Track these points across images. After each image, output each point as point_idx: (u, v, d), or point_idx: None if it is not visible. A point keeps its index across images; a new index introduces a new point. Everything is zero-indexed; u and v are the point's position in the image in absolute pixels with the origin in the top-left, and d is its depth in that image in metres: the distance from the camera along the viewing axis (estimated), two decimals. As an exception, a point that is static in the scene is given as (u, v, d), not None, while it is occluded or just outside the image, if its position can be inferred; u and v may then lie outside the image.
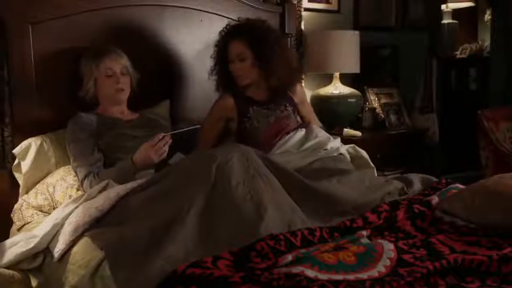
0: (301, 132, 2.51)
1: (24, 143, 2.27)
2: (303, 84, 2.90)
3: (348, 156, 2.49)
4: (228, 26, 2.54)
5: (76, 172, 2.18)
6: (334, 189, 2.00)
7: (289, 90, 2.56)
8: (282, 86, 2.50)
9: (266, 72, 2.44)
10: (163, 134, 2.13)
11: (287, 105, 2.55)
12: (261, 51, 2.42)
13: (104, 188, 2.00)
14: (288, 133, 2.49)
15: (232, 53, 2.46)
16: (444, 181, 2.11)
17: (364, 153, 2.55)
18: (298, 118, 2.59)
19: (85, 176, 2.13)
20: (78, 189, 2.16)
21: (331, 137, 2.56)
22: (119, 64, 2.31)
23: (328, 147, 2.44)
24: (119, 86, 2.30)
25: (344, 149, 2.50)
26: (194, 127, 2.26)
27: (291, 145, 2.45)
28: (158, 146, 2.10)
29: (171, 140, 2.14)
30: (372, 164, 2.53)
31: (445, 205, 1.81)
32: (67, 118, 2.30)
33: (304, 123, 2.60)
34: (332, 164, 2.27)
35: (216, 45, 2.54)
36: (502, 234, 1.60)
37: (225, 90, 2.53)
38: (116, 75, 2.30)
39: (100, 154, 2.21)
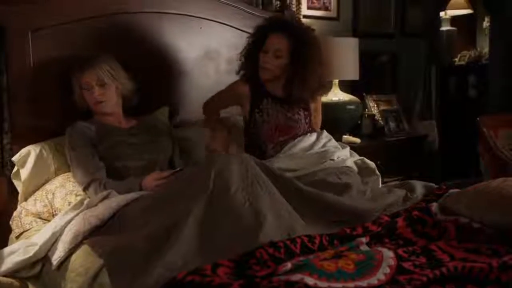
0: (311, 138, 2.51)
1: (23, 151, 2.27)
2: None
3: (355, 168, 2.44)
4: (275, 17, 2.55)
5: (78, 179, 2.17)
6: (332, 199, 1.98)
7: (308, 98, 2.55)
8: (307, 94, 2.50)
9: (297, 82, 2.43)
10: (174, 171, 2.14)
11: (301, 109, 2.54)
12: (301, 59, 2.41)
13: (105, 198, 2.00)
14: (294, 137, 2.49)
15: (271, 45, 2.43)
16: (444, 186, 2.11)
17: (372, 164, 2.52)
18: (309, 123, 2.58)
19: (89, 183, 2.12)
20: (77, 195, 2.15)
21: (339, 146, 2.56)
22: (94, 77, 2.27)
23: (335, 157, 2.43)
24: (94, 100, 2.28)
25: (351, 161, 2.45)
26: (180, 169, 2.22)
27: (299, 149, 2.46)
28: (163, 180, 2.09)
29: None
30: (377, 172, 2.50)
31: (447, 203, 1.81)
32: (66, 125, 2.29)
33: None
34: (334, 178, 2.23)
35: (256, 31, 2.51)
36: (503, 238, 1.61)
37: (243, 77, 2.52)
38: (93, 88, 2.28)
39: (101, 162, 2.21)
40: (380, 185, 2.47)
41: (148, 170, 2.19)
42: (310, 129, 2.58)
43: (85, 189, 2.13)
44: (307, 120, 2.56)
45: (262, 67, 2.44)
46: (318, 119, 2.71)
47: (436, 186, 2.20)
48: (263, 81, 2.49)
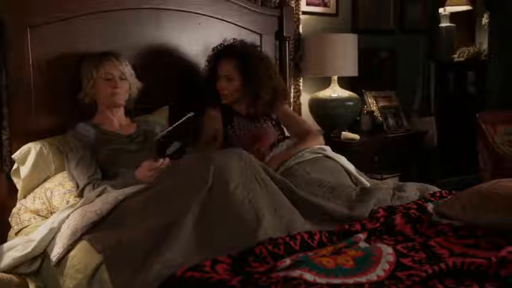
0: (284, 145, 2.56)
1: (24, 148, 2.26)
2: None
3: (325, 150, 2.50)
4: (221, 44, 2.66)
5: (75, 182, 2.17)
6: (324, 203, 1.97)
7: (271, 110, 2.67)
8: (264, 107, 2.62)
9: (252, 96, 2.58)
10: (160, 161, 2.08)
11: (267, 119, 2.68)
12: (250, 75, 2.56)
13: (102, 193, 2.00)
14: (270, 147, 2.54)
15: (221, 71, 2.58)
16: (438, 194, 2.11)
17: (340, 157, 2.50)
18: (279, 131, 2.70)
19: (85, 186, 2.12)
20: (76, 196, 2.15)
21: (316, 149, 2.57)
22: (118, 69, 2.33)
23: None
24: (116, 90, 2.31)
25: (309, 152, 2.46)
26: (187, 117, 2.13)
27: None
28: (157, 169, 2.06)
29: (168, 160, 2.11)
30: (352, 172, 2.43)
31: (442, 208, 1.82)
32: (66, 122, 2.29)
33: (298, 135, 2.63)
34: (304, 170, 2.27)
35: (207, 61, 2.67)
36: (501, 232, 1.61)
37: (208, 105, 2.65)
38: (114, 79, 2.31)
39: (98, 167, 2.20)
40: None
41: None
42: (282, 136, 2.69)
43: (80, 193, 2.12)
44: (276, 128, 2.69)
45: (220, 94, 2.62)
46: (299, 123, 2.74)
47: (432, 190, 2.19)
48: (227, 104, 2.65)
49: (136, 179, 2.09)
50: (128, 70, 2.37)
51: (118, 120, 2.39)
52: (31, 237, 1.98)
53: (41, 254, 1.93)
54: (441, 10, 4.81)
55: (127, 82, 2.37)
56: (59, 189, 2.19)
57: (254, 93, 2.57)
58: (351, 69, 3.37)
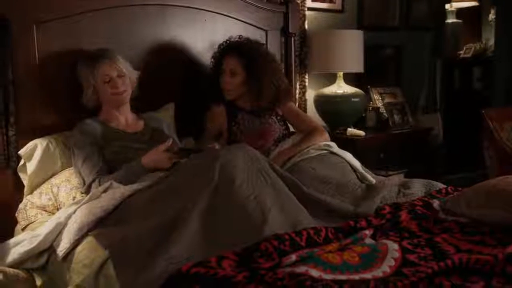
0: (289, 140, 2.60)
1: (30, 144, 2.26)
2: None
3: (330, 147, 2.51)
4: (227, 41, 2.67)
5: (81, 177, 2.17)
6: (330, 199, 1.99)
7: (275, 106, 2.67)
8: (267, 105, 2.63)
9: (255, 92, 2.58)
10: (178, 146, 2.17)
11: (272, 116, 2.68)
12: (253, 71, 2.56)
13: (107, 188, 2.01)
14: (275, 143, 2.59)
15: (226, 66, 2.59)
16: (444, 190, 2.11)
17: (346, 154, 2.52)
18: (284, 126, 2.71)
19: (91, 182, 2.12)
20: (82, 192, 2.16)
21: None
22: (114, 69, 2.29)
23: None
24: (118, 90, 2.29)
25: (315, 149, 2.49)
26: (212, 147, 2.20)
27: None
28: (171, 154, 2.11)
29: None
30: (358, 168, 2.43)
31: (448, 205, 1.81)
32: (71, 119, 2.30)
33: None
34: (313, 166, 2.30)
35: (212, 58, 2.69)
36: (507, 229, 1.61)
37: (211, 101, 2.68)
38: (113, 79, 2.28)
39: (105, 164, 2.20)
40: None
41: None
42: (286, 131, 2.70)
43: (86, 189, 2.12)
44: (281, 123, 2.70)
45: (224, 89, 2.62)
46: (305, 120, 2.74)
47: (438, 187, 2.19)
48: (230, 101, 2.65)
49: (143, 165, 2.11)
50: (123, 65, 2.32)
51: (124, 117, 2.38)
52: (37, 232, 1.99)
53: (47, 249, 1.93)
54: (447, 6, 4.79)
55: (126, 77, 2.33)
56: (66, 185, 2.20)
57: (257, 89, 2.57)
58: (356, 66, 3.37)
